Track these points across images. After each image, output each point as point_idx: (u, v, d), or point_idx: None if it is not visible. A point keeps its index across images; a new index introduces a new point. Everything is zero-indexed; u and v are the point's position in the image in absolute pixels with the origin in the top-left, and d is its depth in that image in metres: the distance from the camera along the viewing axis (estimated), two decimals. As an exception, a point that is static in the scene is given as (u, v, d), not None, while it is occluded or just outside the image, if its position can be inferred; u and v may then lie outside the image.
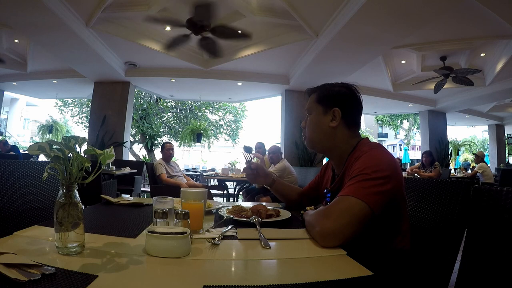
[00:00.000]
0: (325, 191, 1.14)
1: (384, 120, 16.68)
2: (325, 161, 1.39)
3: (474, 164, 7.16)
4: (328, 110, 1.04)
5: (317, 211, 0.88)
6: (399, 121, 16.83)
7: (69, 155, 0.67)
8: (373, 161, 0.89)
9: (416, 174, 5.34)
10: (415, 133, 19.04)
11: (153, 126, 10.93)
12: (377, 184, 0.84)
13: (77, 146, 0.69)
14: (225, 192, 5.09)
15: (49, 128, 8.43)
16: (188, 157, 20.80)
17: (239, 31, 3.90)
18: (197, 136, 8.15)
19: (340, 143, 1.04)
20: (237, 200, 5.01)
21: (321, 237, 0.78)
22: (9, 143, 7.02)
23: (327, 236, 0.77)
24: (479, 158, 6.33)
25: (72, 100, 11.91)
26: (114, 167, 4.48)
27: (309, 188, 1.33)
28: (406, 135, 19.91)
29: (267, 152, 3.97)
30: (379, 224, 0.88)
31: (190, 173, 8.71)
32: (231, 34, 3.91)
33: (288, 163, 3.77)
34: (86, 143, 0.71)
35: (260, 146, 4.43)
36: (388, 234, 0.94)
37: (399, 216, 0.95)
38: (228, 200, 5.21)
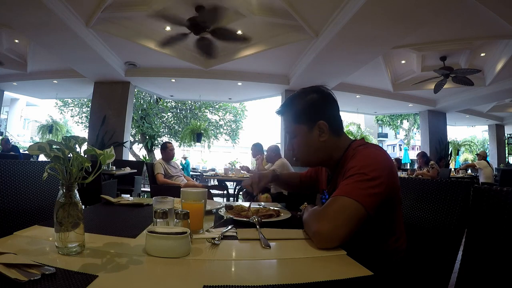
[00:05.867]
0: (321, 196, 1.13)
1: (384, 120, 16.68)
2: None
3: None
4: (312, 125, 0.96)
5: (313, 212, 0.86)
6: (399, 121, 16.83)
7: (69, 155, 0.67)
8: (370, 159, 0.88)
9: (420, 176, 5.38)
10: (415, 133, 19.03)
11: (153, 126, 10.93)
12: (374, 185, 0.81)
13: (77, 146, 0.69)
14: (225, 192, 5.08)
15: (49, 128, 8.42)
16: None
17: (238, 32, 3.88)
18: (197, 136, 8.16)
19: (333, 151, 0.99)
20: (237, 200, 5.00)
21: (317, 239, 0.77)
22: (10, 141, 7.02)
23: (322, 238, 0.75)
24: (481, 157, 6.33)
25: (72, 100, 11.92)
26: (114, 167, 4.47)
27: (309, 175, 1.32)
28: (406, 135, 19.89)
29: (265, 152, 4.00)
30: (374, 224, 0.87)
31: (190, 173, 8.70)
32: (231, 37, 3.90)
33: (287, 161, 3.82)
34: (86, 143, 0.71)
35: (258, 146, 4.47)
36: (382, 234, 0.94)
37: (394, 216, 0.94)
38: (228, 200, 5.20)
